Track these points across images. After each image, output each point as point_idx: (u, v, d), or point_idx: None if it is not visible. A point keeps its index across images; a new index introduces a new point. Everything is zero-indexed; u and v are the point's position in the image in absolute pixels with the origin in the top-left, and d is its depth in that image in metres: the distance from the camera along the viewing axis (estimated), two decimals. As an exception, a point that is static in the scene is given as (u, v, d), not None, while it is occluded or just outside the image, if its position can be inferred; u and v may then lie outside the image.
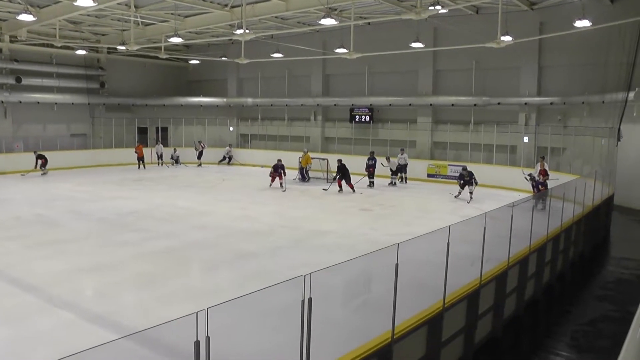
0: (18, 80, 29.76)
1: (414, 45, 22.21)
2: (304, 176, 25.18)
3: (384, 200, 20.14)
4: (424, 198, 21.03)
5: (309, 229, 14.53)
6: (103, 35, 30.91)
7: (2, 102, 29.57)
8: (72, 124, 33.06)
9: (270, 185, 22.25)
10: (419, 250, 7.30)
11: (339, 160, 22.25)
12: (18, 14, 22.51)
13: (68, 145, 31.71)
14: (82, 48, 30.86)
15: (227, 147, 32.90)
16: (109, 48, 32.36)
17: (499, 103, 24.84)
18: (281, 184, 22.16)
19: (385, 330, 6.07)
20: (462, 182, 20.27)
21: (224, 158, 32.73)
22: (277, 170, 22.28)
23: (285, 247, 12.63)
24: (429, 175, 25.90)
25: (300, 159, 25.58)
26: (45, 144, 30.45)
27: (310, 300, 4.74)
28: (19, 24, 26.37)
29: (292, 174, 24.52)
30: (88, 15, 24.97)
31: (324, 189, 22.23)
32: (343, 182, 21.80)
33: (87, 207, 17.80)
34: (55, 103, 31.65)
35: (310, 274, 4.61)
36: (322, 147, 31.05)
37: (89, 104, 33.21)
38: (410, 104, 27.65)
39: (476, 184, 19.84)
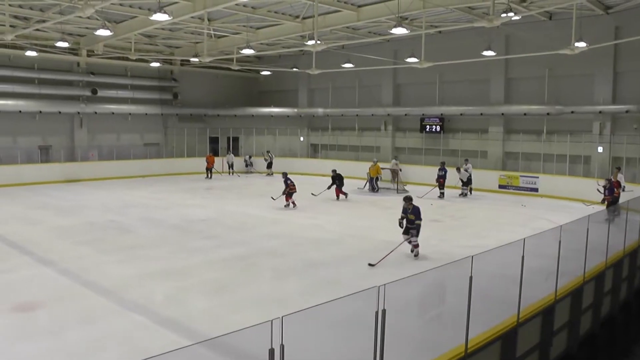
0: (94, 92, 30.95)
1: (485, 53, 21.73)
2: (373, 186, 25.00)
3: (455, 212, 19.75)
4: (495, 209, 20.51)
5: (378, 239, 14.38)
6: (177, 47, 31.88)
7: (79, 112, 30.83)
8: (146, 134, 34.16)
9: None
10: (492, 263, 7.10)
11: (334, 171, 22.35)
12: (96, 29, 23.51)
13: (141, 155, 32.78)
14: (156, 60, 31.84)
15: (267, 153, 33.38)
16: (182, 60, 33.26)
17: (572, 112, 23.92)
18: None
19: (458, 344, 5.91)
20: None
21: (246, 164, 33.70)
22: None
23: (354, 256, 12.53)
24: (500, 187, 25.25)
25: (370, 169, 25.44)
26: (119, 153, 31.65)
27: (384, 312, 4.65)
28: (96, 39, 27.54)
29: (353, 184, 24.42)
30: (162, 29, 25.80)
31: (312, 194, 22.37)
32: (335, 189, 21.98)
33: (160, 214, 18.25)
34: (130, 114, 32.75)
35: (385, 285, 4.52)
36: (392, 157, 30.82)
37: (162, 114, 34.26)
38: (481, 114, 27.08)
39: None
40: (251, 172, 33.21)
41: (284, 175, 20.13)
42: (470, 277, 5.86)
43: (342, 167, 25.31)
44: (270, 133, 35.73)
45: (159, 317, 8.48)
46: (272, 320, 3.71)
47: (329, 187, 22.13)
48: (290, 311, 3.87)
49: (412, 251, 12.37)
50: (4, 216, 18.12)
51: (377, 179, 25.23)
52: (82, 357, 7.19)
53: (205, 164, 31.38)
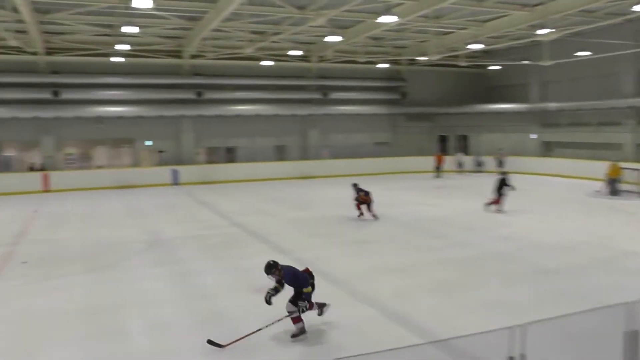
0: (325, 95, 32.72)
1: None
2: (614, 189, 22.40)
3: None
4: None
5: (619, 248, 13.00)
6: (403, 47, 32.22)
7: (311, 114, 32.86)
8: (375, 133, 35.16)
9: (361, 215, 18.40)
10: None
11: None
12: (325, 36, 24.78)
13: (371, 153, 33.84)
14: (384, 62, 32.55)
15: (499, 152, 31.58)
16: (409, 60, 33.59)
17: None
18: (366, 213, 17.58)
19: None
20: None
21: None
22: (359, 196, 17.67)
23: (590, 266, 11.41)
24: None
25: (608, 169, 22.87)
26: (349, 152, 33.06)
27: (636, 332, 4.12)
28: (326, 45, 28.98)
29: (589, 185, 22.43)
30: (389, 30, 26.21)
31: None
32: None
33: (389, 212, 18.50)
34: (359, 114, 33.98)
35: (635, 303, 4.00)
36: (636, 156, 27.61)
37: (390, 114, 34.95)
38: None
39: None
40: (481, 172, 32.20)
41: (355, 185, 17.76)
42: None
43: (576, 167, 22.97)
44: (499, 130, 34.38)
45: (388, 311, 8.57)
46: (512, 328, 3.49)
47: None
48: (518, 319, 3.63)
49: None
50: (245, 208, 20.30)
51: (616, 180, 22.57)
52: (310, 342, 7.50)
53: (435, 162, 31.32)
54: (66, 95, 28.01)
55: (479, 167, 32.38)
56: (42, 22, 23.28)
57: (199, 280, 10.67)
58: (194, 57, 30.24)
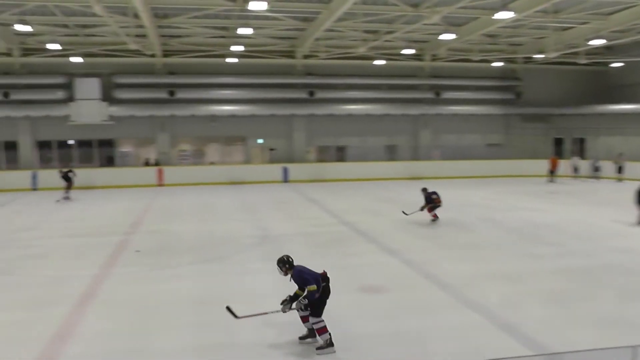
0: (437, 94, 32.25)
1: None
2: None
3: None
4: None
5: None
6: (519, 45, 31.15)
7: (423, 114, 32.52)
8: (487, 135, 34.29)
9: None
10: None
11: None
12: (439, 34, 24.46)
13: (483, 155, 33.00)
14: (499, 60, 31.65)
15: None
16: (525, 57, 32.44)
17: None
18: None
19: None
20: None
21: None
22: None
23: None
24: None
25: None
26: (461, 153, 32.42)
27: None
28: (439, 43, 28.60)
29: None
30: (505, 27, 25.46)
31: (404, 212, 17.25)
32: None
33: (500, 216, 18.02)
34: (471, 114, 33.21)
35: None
36: None
37: (503, 114, 33.89)
38: None
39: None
40: (598, 178, 30.18)
41: (424, 190, 17.06)
42: None
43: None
44: (619, 133, 32.11)
45: (495, 319, 8.35)
46: (636, 347, 3.30)
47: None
48: (637, 338, 3.41)
49: None
50: (354, 207, 20.48)
51: None
52: (414, 344, 7.47)
53: (549, 166, 30.02)
54: (181, 94, 29.57)
55: (595, 173, 30.30)
56: (160, 26, 24.66)
57: (306, 277, 10.85)
58: (306, 57, 30.83)
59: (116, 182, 28.54)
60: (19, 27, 21.04)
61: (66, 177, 23.57)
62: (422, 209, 16.82)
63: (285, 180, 30.16)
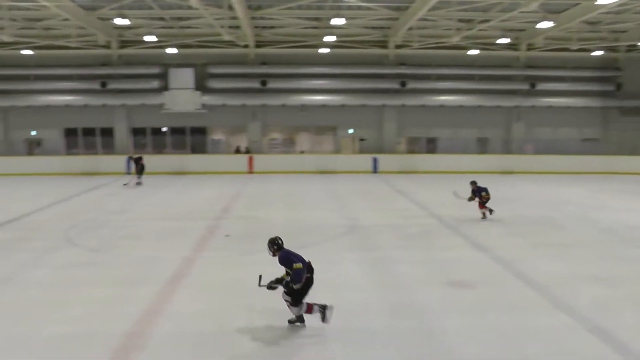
0: (532, 85, 31.20)
1: None
2: None
3: None
4: None
5: None
6: (622, 32, 29.63)
7: (516, 106, 31.59)
8: (584, 128, 32.90)
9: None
10: None
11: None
12: (536, 22, 23.66)
13: (579, 150, 31.74)
14: (599, 49, 30.28)
15: None
16: (628, 46, 30.85)
17: None
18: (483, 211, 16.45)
19: None
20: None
21: None
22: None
23: None
24: None
25: None
26: (555, 147, 31.30)
27: None
28: (536, 32, 27.68)
29: None
30: (607, 13, 24.30)
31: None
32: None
33: (595, 215, 17.32)
34: (567, 107, 31.95)
35: None
36: None
37: (602, 107, 32.39)
38: None
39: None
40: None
41: (474, 183, 16.48)
42: None
43: None
44: None
45: (586, 322, 8.11)
46: None
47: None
48: None
49: None
50: (443, 199, 19.54)
51: None
52: (499, 343, 7.38)
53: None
54: (273, 84, 30.22)
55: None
56: (253, 18, 25.28)
57: (393, 269, 10.91)
58: (398, 47, 30.68)
59: (207, 169, 29.56)
60: (118, 21, 22.19)
61: (136, 162, 24.72)
62: (469, 199, 16.47)
63: (375, 170, 30.22)
